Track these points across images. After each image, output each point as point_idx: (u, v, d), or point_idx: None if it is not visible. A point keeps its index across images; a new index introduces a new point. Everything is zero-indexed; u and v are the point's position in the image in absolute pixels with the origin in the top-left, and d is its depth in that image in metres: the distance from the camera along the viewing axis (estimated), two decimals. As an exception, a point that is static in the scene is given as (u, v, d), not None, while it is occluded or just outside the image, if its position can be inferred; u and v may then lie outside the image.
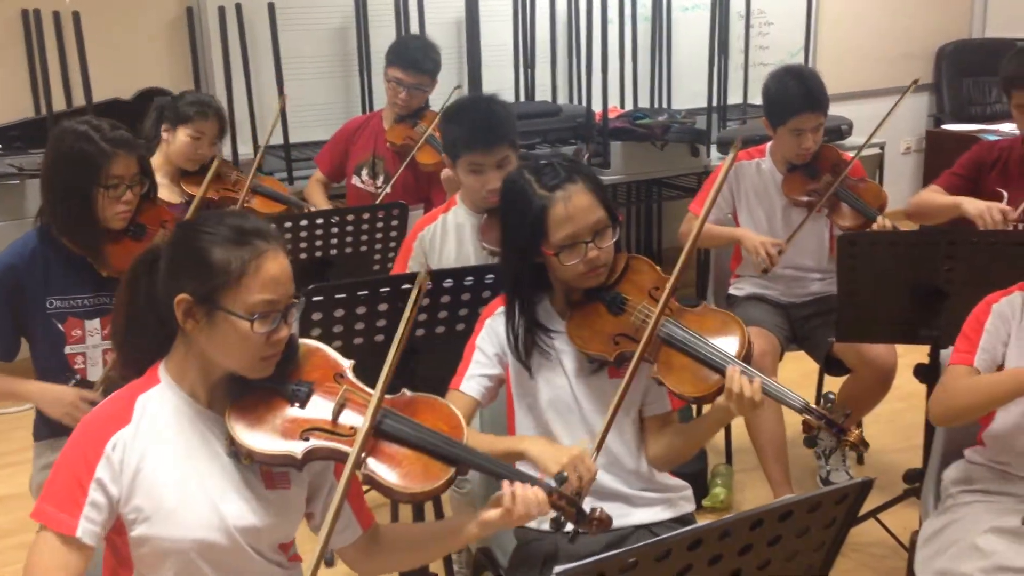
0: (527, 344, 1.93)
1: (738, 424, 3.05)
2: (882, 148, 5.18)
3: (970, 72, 6.06)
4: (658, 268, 1.97)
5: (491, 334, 1.98)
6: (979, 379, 1.93)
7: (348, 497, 1.61)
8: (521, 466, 1.73)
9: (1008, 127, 4.82)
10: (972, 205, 2.85)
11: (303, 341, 1.65)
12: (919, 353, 2.58)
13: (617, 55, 4.97)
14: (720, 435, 3.39)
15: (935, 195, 3.06)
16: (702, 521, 1.29)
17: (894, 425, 3.56)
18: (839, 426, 1.73)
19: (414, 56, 3.58)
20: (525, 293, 1.95)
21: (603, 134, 4.48)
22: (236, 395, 1.55)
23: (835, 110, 5.48)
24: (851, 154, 3.11)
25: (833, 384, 3.20)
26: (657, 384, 1.91)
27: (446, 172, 3.20)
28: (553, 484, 1.59)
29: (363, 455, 1.52)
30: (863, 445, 1.76)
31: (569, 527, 1.62)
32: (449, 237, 2.62)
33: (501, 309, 1.99)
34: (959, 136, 5.23)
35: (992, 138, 3.38)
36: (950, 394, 1.94)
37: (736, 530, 1.24)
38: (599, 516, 1.59)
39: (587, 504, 1.61)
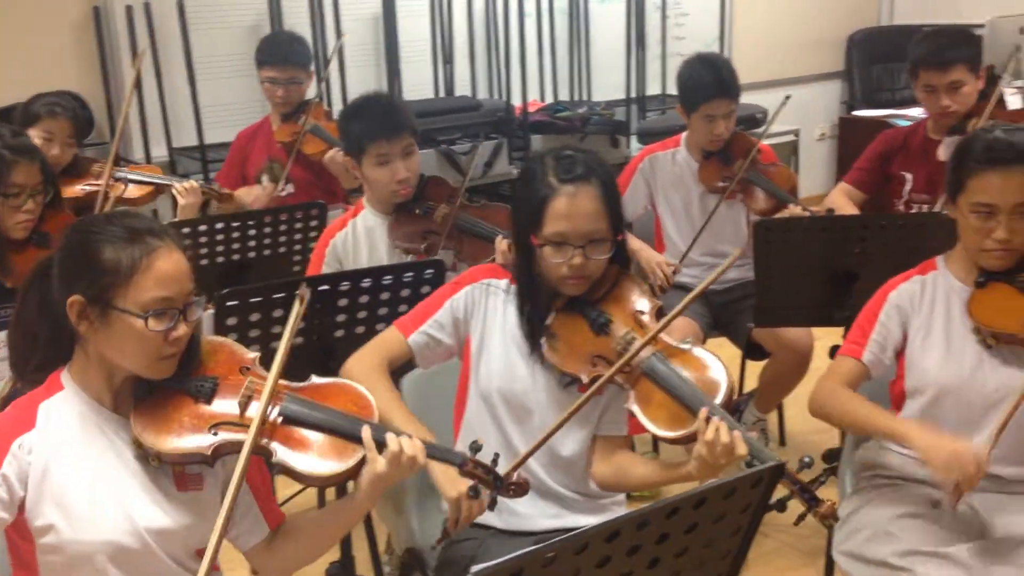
0: (536, 332, 1.83)
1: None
2: (796, 135, 5.29)
3: (880, 59, 6.20)
4: (645, 287, 1.87)
5: (466, 299, 1.89)
6: (858, 404, 1.91)
7: (256, 496, 1.59)
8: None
9: (917, 111, 4.95)
10: None
11: (208, 338, 1.62)
12: (835, 335, 2.64)
13: (536, 49, 4.98)
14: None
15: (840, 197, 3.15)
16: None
17: (816, 406, 3.63)
18: (813, 495, 1.68)
19: (282, 51, 3.53)
20: (529, 276, 1.84)
21: (524, 128, 4.49)
22: (141, 396, 1.52)
23: (750, 98, 5.59)
24: (763, 141, 3.17)
25: (754, 368, 3.27)
26: (627, 411, 1.80)
27: (330, 154, 3.20)
28: (469, 454, 1.58)
29: (267, 442, 1.50)
30: (833, 519, 1.69)
31: (486, 494, 1.60)
32: (361, 242, 2.61)
33: (489, 280, 1.90)
34: (870, 121, 5.35)
35: (901, 123, 3.48)
36: (830, 398, 1.94)
37: (653, 520, 1.25)
38: (516, 480, 1.57)
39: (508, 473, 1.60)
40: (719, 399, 1.70)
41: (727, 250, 3.20)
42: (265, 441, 1.51)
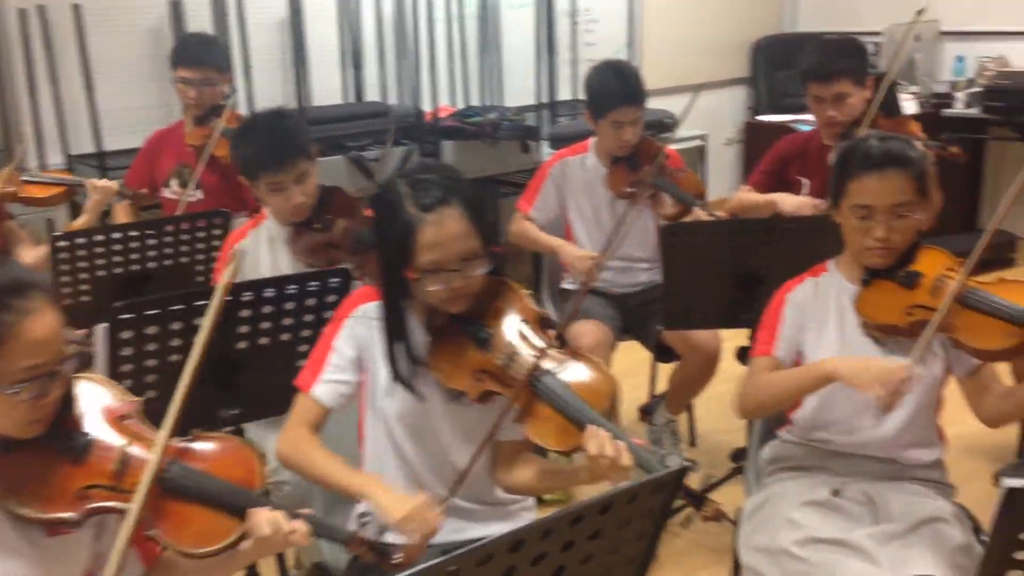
0: (409, 374, 1.81)
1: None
2: (704, 140, 5.38)
3: (783, 65, 6.35)
4: (528, 296, 1.84)
5: (352, 336, 1.84)
6: (781, 373, 1.97)
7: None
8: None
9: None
10: (788, 202, 3.00)
11: (87, 378, 1.52)
12: (742, 336, 2.69)
13: (446, 53, 4.96)
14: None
15: (748, 195, 3.21)
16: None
17: (722, 406, 3.67)
18: (698, 497, 1.70)
19: (195, 52, 3.44)
20: (399, 308, 1.82)
21: (435, 133, 4.47)
22: (6, 452, 1.41)
23: (659, 104, 5.67)
24: (672, 146, 3.21)
25: (666, 370, 3.31)
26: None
27: None
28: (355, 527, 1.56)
29: (146, 515, 1.42)
30: (722, 518, 1.71)
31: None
32: (263, 252, 2.55)
33: (363, 309, 1.86)
34: (773, 127, 5.48)
35: (804, 128, 3.56)
36: (755, 388, 1.98)
37: (557, 528, 1.24)
38: (400, 561, 1.52)
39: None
40: (605, 409, 1.69)
41: (637, 254, 3.24)
42: (145, 514, 1.41)
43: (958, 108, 5.44)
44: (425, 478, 1.85)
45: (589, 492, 1.38)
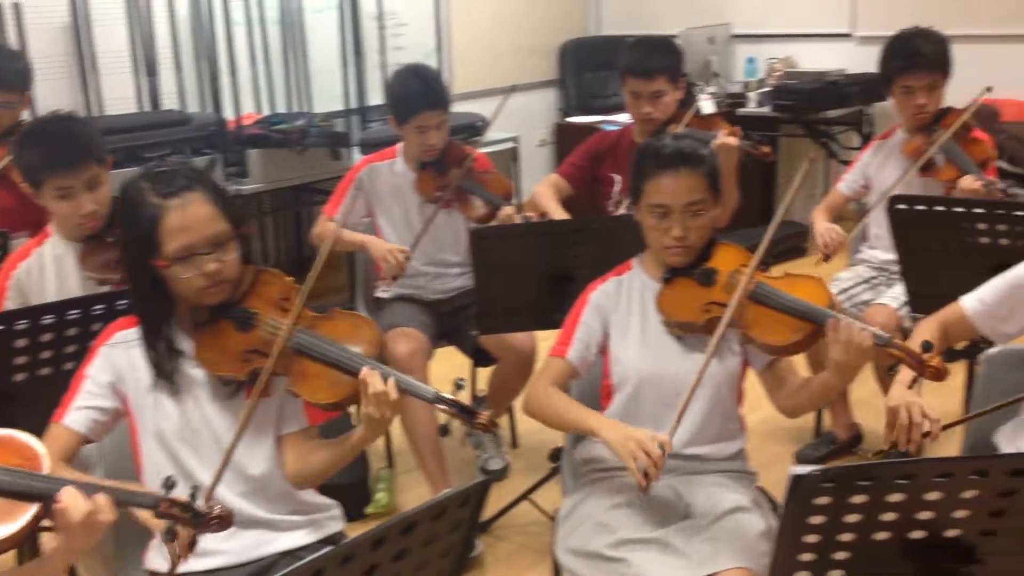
0: (171, 368, 1.79)
1: (397, 425, 3.05)
2: (516, 142, 5.43)
3: (590, 67, 6.51)
4: (288, 279, 1.89)
5: (105, 363, 1.81)
6: (565, 405, 2.01)
7: None
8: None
9: (625, 117, 5.23)
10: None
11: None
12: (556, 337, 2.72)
13: (248, 59, 4.79)
14: (380, 439, 3.38)
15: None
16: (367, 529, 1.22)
17: (545, 405, 3.73)
18: (469, 410, 1.75)
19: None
20: (155, 312, 1.80)
21: (239, 142, 4.30)
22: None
23: (470, 107, 5.68)
24: (480, 150, 3.21)
25: (486, 374, 3.30)
26: (292, 397, 1.84)
27: None
28: (163, 493, 1.48)
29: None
30: (493, 426, 1.79)
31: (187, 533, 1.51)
32: (48, 272, 2.38)
33: (120, 335, 1.82)
34: (583, 127, 5.59)
35: (610, 128, 3.64)
36: (542, 397, 2.03)
37: (358, 553, 1.19)
38: (218, 513, 1.51)
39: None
40: (367, 351, 1.79)
41: (449, 258, 3.22)
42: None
43: (751, 107, 5.73)
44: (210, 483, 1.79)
45: (417, 502, 1.34)
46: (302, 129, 4.35)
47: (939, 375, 1.79)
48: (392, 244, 3.02)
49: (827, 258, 3.08)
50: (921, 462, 1.27)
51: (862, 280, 3.27)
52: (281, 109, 4.97)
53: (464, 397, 1.80)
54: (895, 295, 3.06)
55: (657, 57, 3.11)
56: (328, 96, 5.18)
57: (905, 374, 1.85)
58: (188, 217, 1.73)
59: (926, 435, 1.77)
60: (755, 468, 2.15)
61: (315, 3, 5.13)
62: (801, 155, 6.05)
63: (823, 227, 3.15)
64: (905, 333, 2.96)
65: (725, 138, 2.92)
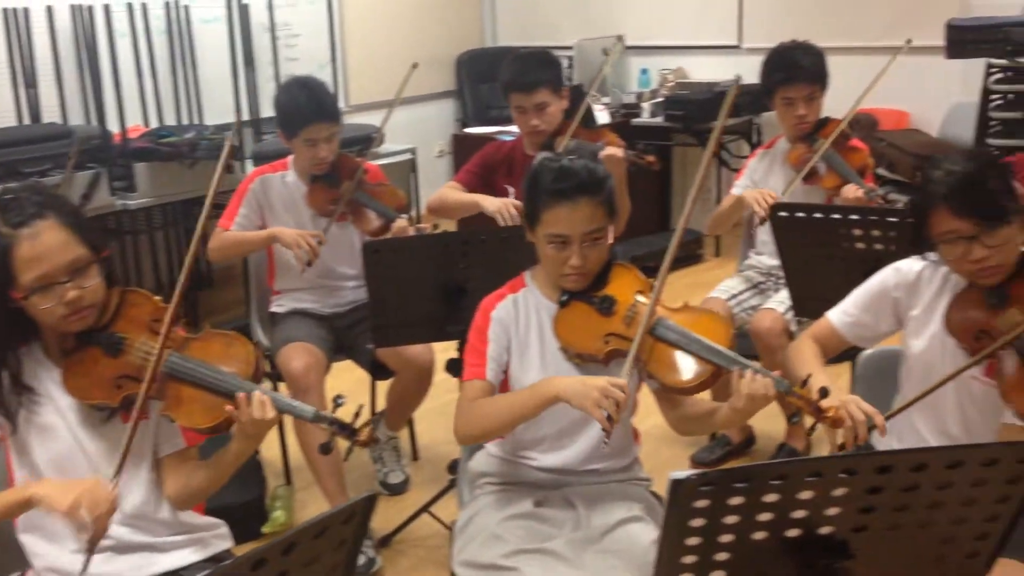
0: (13, 402, 1.73)
1: (294, 442, 3.00)
2: (413, 153, 5.41)
3: (487, 78, 6.54)
4: (157, 298, 1.85)
5: None
6: (504, 399, 1.94)
7: None
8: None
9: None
10: (489, 202, 3.05)
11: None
12: (452, 349, 2.72)
13: (134, 71, 4.67)
14: (277, 456, 3.32)
15: (454, 192, 3.24)
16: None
17: (444, 417, 3.68)
18: (348, 427, 1.74)
19: None
20: (5, 344, 1.74)
21: (124, 155, 4.18)
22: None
23: (366, 119, 5.64)
24: (377, 161, 3.19)
25: (384, 387, 3.28)
26: (168, 421, 1.81)
27: None
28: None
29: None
30: (374, 442, 1.78)
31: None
32: None
33: None
34: (480, 138, 5.61)
35: (506, 138, 3.66)
36: (476, 416, 1.93)
37: (237, 571, 1.17)
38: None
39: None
40: (243, 371, 1.77)
41: (345, 271, 3.19)
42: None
43: (645, 117, 5.84)
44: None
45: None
46: (191, 142, 4.25)
47: (836, 423, 1.78)
48: (303, 230, 2.97)
49: (763, 221, 3.04)
50: (792, 462, 1.31)
51: (751, 285, 3.36)
52: (170, 122, 4.86)
53: (362, 411, 1.78)
54: (781, 299, 3.15)
55: (537, 70, 3.13)
56: (220, 108, 5.09)
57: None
58: (41, 246, 1.68)
59: (872, 428, 1.81)
60: (651, 473, 2.16)
61: (203, 13, 5.04)
62: (694, 164, 6.20)
63: (750, 193, 3.08)
64: (791, 336, 3.06)
65: (612, 150, 2.96)
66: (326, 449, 1.87)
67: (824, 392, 1.76)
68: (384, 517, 3.08)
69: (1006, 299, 1.91)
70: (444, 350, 3.03)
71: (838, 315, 2.14)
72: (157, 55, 4.82)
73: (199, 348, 1.81)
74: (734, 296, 3.32)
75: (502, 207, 2.98)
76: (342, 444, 1.82)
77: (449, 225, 3.40)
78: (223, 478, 1.83)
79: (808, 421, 1.83)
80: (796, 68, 3.15)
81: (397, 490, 3.29)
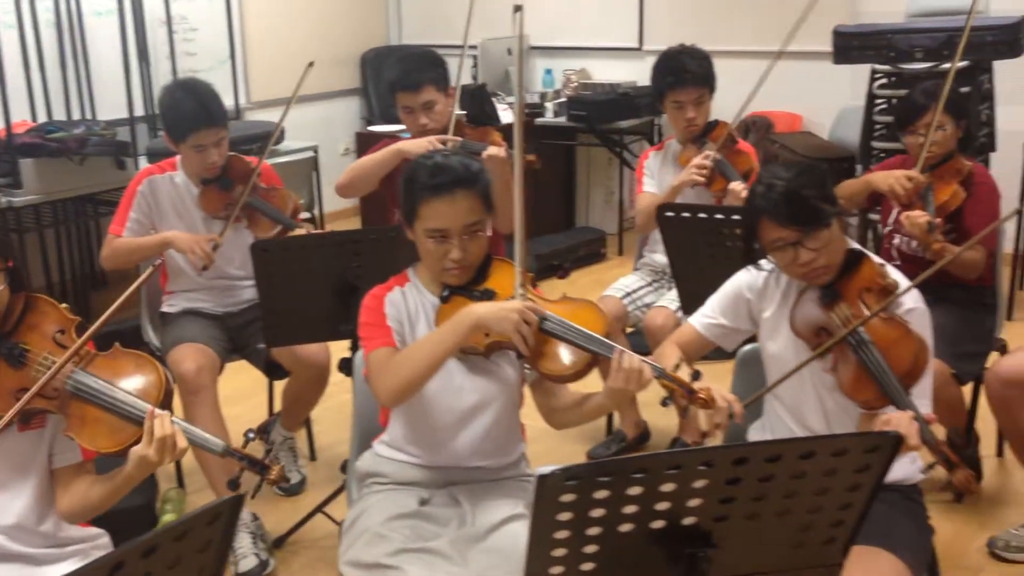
0: None
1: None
2: (315, 151, 5.36)
3: (392, 76, 6.53)
4: (64, 307, 1.81)
5: None
6: (418, 344, 1.94)
7: None
8: None
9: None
10: (412, 144, 3.00)
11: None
12: (344, 348, 2.71)
13: (20, 64, 4.52)
14: (169, 459, 3.26)
15: (363, 159, 3.17)
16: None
17: (342, 416, 3.67)
18: (259, 463, 1.76)
19: None
20: None
21: (9, 151, 4.04)
22: None
23: (268, 115, 5.57)
24: (282, 159, 3.14)
25: (281, 387, 3.25)
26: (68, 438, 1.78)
27: None
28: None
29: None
30: (284, 481, 1.82)
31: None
32: None
33: None
34: (385, 136, 5.57)
35: (405, 136, 3.65)
36: (392, 369, 1.92)
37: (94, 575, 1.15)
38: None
39: None
40: (151, 394, 1.76)
41: (238, 272, 3.14)
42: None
43: (549, 117, 5.90)
44: None
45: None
46: (80, 138, 4.13)
47: (708, 404, 1.86)
48: (197, 235, 2.93)
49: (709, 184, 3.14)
50: (652, 456, 1.35)
51: (645, 283, 3.43)
52: (60, 116, 4.71)
53: (261, 415, 1.79)
54: (673, 297, 3.22)
55: (421, 69, 3.13)
56: (114, 103, 4.96)
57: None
58: None
59: (731, 416, 1.88)
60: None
61: (95, 5, 4.90)
62: (598, 164, 6.28)
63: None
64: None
65: (493, 150, 2.97)
66: (234, 486, 1.79)
67: (696, 375, 1.86)
68: (280, 518, 3.05)
69: (837, 296, 2.04)
70: (339, 350, 3.02)
71: (699, 318, 2.23)
72: (46, 48, 4.67)
73: (107, 366, 1.77)
74: (628, 294, 3.38)
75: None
76: (249, 479, 1.79)
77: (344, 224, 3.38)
78: (116, 497, 1.81)
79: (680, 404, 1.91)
80: (684, 72, 3.23)
81: (293, 491, 3.26)
